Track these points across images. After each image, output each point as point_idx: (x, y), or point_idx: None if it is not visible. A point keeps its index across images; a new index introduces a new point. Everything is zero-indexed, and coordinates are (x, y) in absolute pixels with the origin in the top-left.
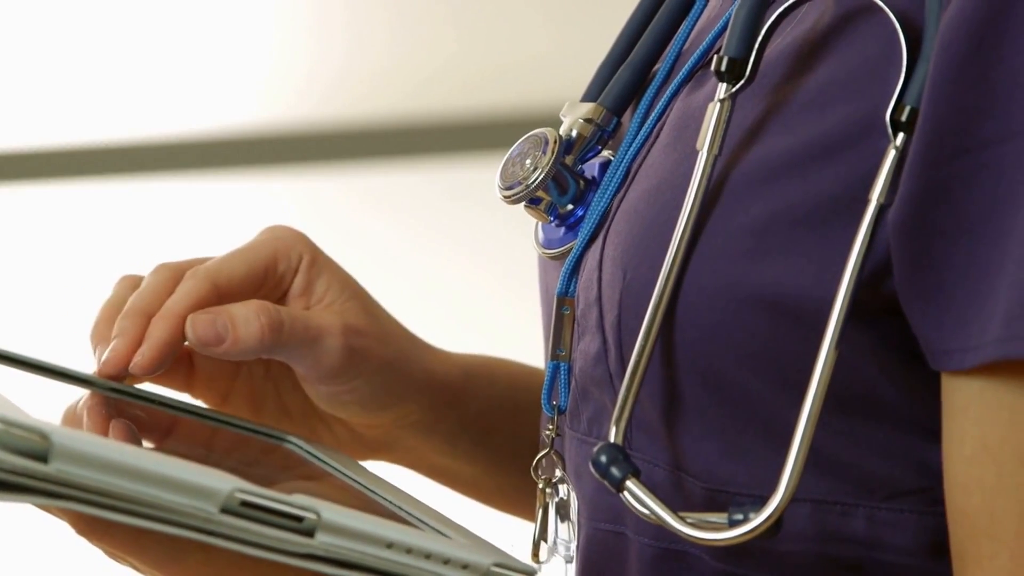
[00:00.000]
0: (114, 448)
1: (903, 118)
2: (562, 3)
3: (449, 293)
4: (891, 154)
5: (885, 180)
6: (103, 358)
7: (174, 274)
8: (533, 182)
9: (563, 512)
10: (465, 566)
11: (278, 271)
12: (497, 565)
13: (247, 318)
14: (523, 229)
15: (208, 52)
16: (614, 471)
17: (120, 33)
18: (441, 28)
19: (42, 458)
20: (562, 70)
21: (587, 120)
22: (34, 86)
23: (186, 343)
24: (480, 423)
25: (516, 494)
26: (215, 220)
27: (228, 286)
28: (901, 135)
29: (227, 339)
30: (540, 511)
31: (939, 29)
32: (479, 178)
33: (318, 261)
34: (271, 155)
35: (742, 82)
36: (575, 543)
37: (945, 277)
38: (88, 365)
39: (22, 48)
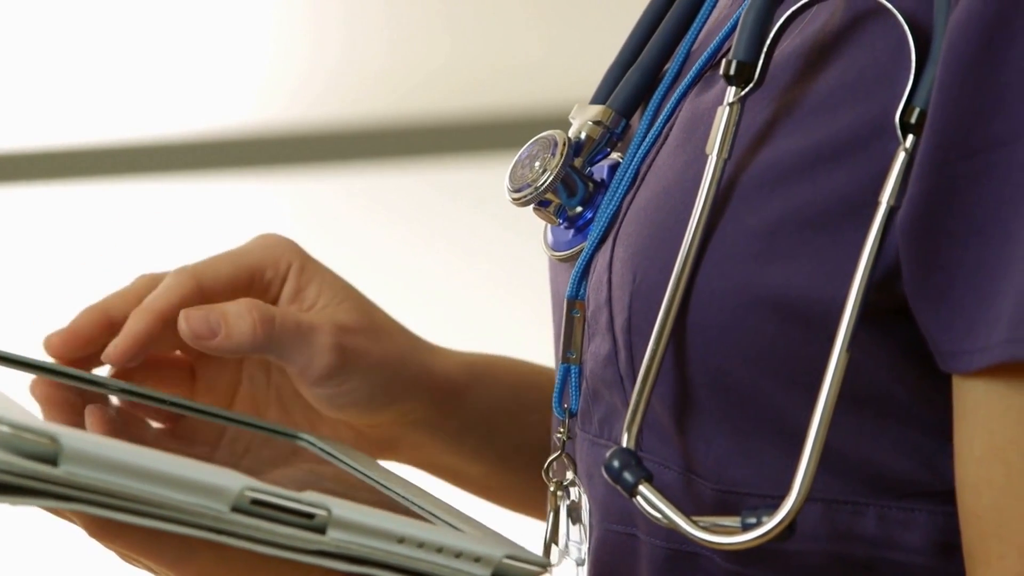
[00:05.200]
0: (123, 449)
1: (912, 120)
2: (557, 6)
3: (444, 295)
4: (900, 156)
5: (895, 182)
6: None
7: (155, 280)
8: (542, 185)
9: (574, 515)
10: (477, 559)
11: (265, 277)
12: (509, 557)
13: (239, 313)
14: (518, 231)
15: (203, 53)
16: (627, 476)
17: (115, 34)
18: (436, 30)
19: (51, 461)
20: (557, 72)
21: (596, 122)
22: (33, 86)
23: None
24: (486, 421)
25: (523, 492)
26: (210, 221)
27: (213, 286)
28: (911, 137)
29: (220, 333)
30: (551, 514)
31: (946, 30)
32: (475, 179)
33: (308, 267)
34: (266, 156)
35: (751, 86)
36: (587, 545)
37: (953, 279)
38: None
39: (22, 48)
